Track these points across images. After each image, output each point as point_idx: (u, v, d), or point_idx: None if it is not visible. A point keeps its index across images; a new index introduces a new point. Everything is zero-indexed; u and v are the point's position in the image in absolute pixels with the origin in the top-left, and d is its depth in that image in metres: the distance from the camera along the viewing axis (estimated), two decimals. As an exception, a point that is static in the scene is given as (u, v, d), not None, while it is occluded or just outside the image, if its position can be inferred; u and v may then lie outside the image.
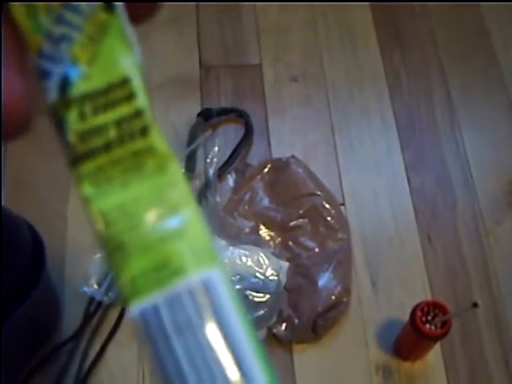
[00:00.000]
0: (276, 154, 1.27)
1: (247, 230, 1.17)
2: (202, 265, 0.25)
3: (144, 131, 0.26)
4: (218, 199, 1.20)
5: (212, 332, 0.25)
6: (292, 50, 1.41)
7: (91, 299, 1.10)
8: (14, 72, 0.25)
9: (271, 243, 1.16)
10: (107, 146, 0.26)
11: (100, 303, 1.10)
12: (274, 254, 1.13)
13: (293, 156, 1.24)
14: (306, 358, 1.10)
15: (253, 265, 1.10)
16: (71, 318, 1.10)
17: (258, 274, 1.09)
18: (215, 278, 0.25)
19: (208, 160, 1.23)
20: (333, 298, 1.11)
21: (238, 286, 1.08)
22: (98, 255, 1.09)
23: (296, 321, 1.09)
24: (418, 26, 1.46)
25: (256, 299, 1.07)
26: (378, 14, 1.46)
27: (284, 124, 1.32)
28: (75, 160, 0.26)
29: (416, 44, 1.44)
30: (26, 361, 1.05)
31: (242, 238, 1.15)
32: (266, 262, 1.10)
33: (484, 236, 1.22)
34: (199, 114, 1.29)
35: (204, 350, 0.25)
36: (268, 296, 1.08)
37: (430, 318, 0.98)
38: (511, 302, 1.16)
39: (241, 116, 1.31)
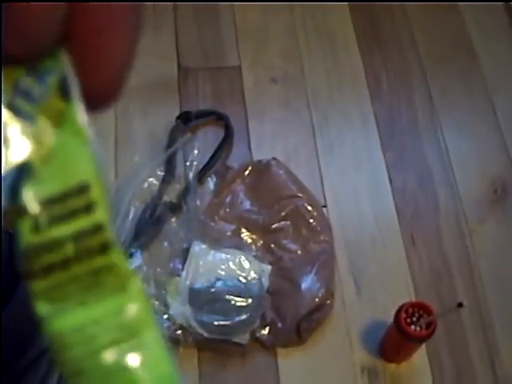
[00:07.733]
0: (257, 157, 1.26)
1: (229, 233, 1.15)
2: None
3: (104, 248, 0.23)
4: (198, 203, 1.18)
5: None
6: (271, 52, 1.40)
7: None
8: None
9: (253, 246, 1.15)
10: (64, 263, 0.22)
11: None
12: (256, 257, 1.12)
13: (274, 158, 1.23)
14: (290, 361, 1.09)
15: (235, 268, 1.09)
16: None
17: (240, 278, 1.08)
18: None
19: (188, 163, 1.21)
20: (316, 300, 1.09)
21: (219, 290, 1.07)
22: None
23: (279, 324, 1.08)
24: (398, 28, 1.46)
25: (238, 303, 1.06)
26: (357, 16, 1.46)
27: (264, 126, 1.31)
28: (29, 276, 0.22)
29: (396, 45, 1.43)
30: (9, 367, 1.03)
31: (223, 241, 1.14)
32: (248, 265, 1.09)
33: (467, 235, 1.21)
34: (178, 117, 1.27)
35: None
36: (250, 300, 1.06)
37: (414, 319, 0.97)
38: (495, 301, 1.15)
39: (220, 118, 1.29)
